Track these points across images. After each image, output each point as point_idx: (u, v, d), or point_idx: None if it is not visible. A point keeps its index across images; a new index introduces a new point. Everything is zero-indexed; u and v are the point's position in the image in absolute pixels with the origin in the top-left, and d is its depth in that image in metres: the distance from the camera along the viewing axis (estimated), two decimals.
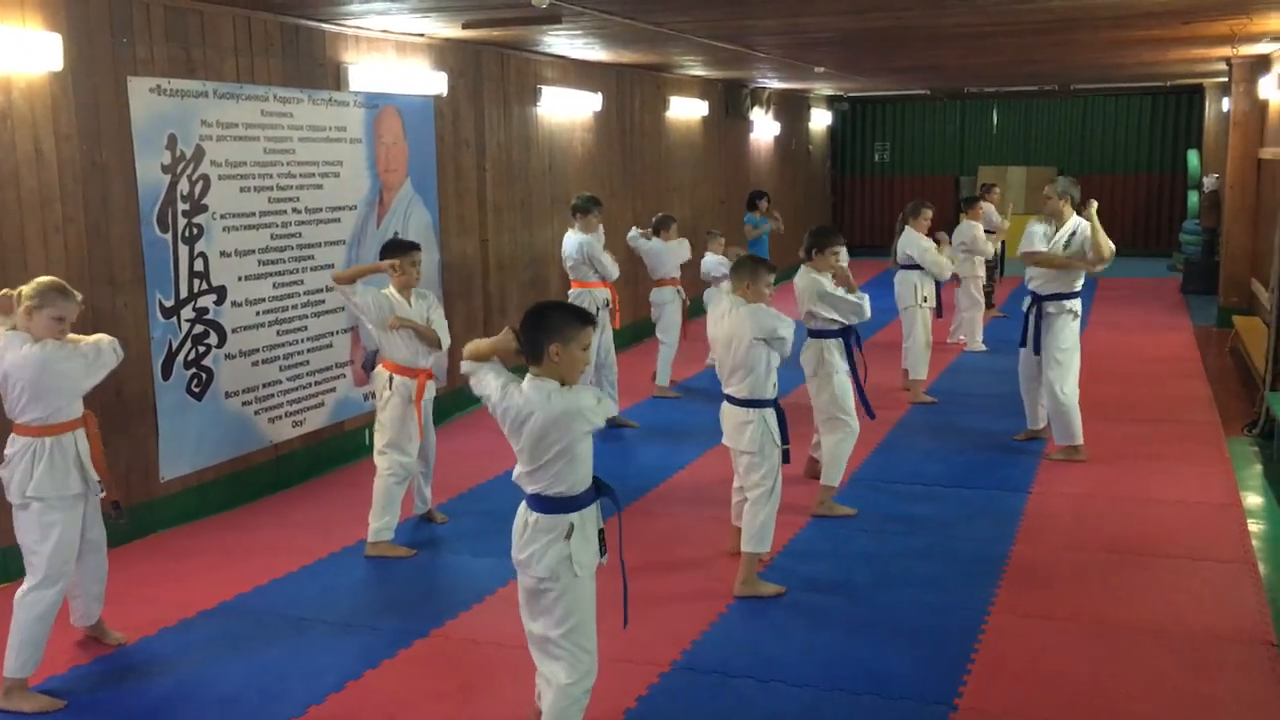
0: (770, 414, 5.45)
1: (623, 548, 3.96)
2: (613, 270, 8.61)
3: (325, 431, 7.67)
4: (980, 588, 5.47)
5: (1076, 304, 7.44)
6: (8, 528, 4.73)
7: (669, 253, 9.68)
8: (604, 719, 4.21)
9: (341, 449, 7.83)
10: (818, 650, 4.84)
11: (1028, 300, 7.60)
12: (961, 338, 11.74)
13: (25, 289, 4.42)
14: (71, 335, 4.53)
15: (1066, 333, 7.41)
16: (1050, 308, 7.42)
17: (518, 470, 3.72)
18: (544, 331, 3.59)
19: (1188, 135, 19.06)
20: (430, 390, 6.22)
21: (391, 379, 6.05)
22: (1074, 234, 7.35)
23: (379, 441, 6.12)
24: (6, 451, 4.52)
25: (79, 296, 4.51)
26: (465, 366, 3.78)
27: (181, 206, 6.43)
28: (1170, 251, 18.41)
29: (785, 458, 5.56)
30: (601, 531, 3.77)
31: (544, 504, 3.67)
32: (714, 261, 10.20)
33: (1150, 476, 7.19)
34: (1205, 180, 15.43)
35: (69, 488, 4.48)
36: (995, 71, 14.97)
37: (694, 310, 10.41)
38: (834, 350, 6.47)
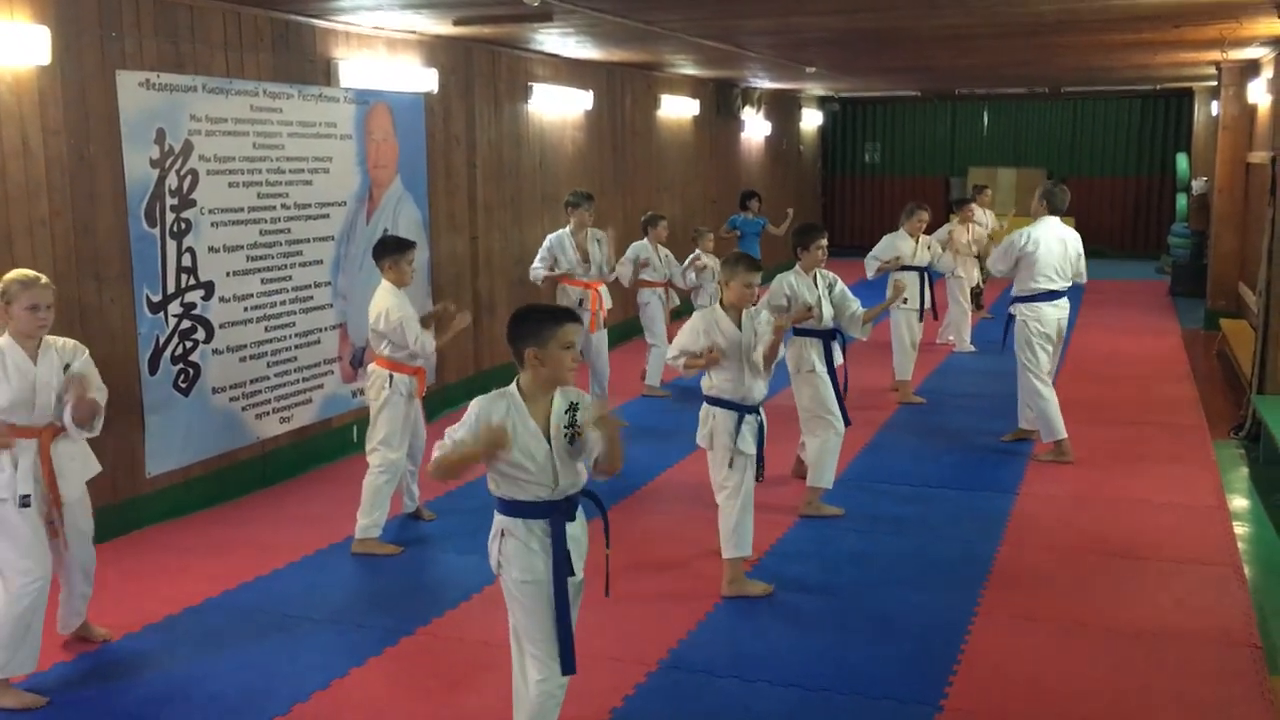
0: (724, 413, 5.37)
1: (609, 570, 3.92)
2: (531, 271, 8.66)
3: (313, 428, 7.65)
4: (966, 589, 5.48)
5: (1027, 306, 7.60)
6: None
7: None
8: (590, 718, 4.21)
9: (329, 445, 7.81)
10: (803, 650, 4.84)
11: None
12: (950, 338, 11.76)
13: None
14: (65, 341, 4.55)
15: (1022, 333, 7.63)
16: (1010, 308, 7.77)
17: None
18: (516, 340, 3.62)
19: (1177, 138, 19.11)
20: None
21: (392, 377, 6.03)
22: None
23: (371, 438, 6.10)
24: None
25: (44, 279, 4.45)
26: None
27: (169, 201, 6.40)
28: (1158, 254, 18.48)
29: (759, 469, 5.47)
30: (566, 551, 3.63)
31: (495, 501, 3.71)
32: (687, 261, 10.14)
33: (1137, 479, 7.21)
34: (1194, 183, 15.47)
35: None
36: (986, 73, 15.00)
37: (687, 309, 10.38)
38: (813, 350, 6.48)
